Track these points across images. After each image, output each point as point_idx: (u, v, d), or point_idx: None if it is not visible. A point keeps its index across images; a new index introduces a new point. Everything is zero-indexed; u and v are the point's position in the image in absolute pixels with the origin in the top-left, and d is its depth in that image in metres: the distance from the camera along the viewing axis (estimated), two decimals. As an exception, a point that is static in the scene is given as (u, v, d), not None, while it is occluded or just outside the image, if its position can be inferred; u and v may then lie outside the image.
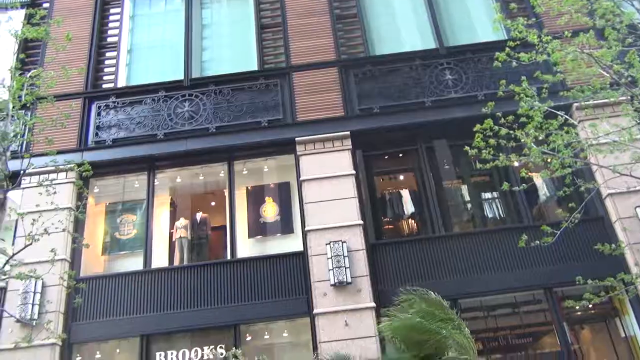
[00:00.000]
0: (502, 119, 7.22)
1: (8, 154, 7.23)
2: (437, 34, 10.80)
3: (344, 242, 8.59)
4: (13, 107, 8.01)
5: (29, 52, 10.99)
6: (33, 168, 7.46)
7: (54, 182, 7.90)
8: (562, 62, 7.54)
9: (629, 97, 7.69)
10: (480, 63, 10.24)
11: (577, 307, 7.26)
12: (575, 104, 8.91)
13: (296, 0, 11.44)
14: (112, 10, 12.03)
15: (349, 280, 8.33)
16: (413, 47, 10.89)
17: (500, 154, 7.25)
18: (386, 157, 10.43)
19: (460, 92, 10.03)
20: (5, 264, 6.20)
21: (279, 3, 11.58)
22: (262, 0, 11.79)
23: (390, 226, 10.06)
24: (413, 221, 9.89)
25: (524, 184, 7.41)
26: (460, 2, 11.58)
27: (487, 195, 10.00)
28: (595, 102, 7.99)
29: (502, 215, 9.76)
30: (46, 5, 11.89)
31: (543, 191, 9.69)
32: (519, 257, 8.69)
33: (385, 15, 11.50)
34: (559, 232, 6.99)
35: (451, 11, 11.40)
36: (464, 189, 10.16)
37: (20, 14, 11.40)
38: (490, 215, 9.84)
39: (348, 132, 9.67)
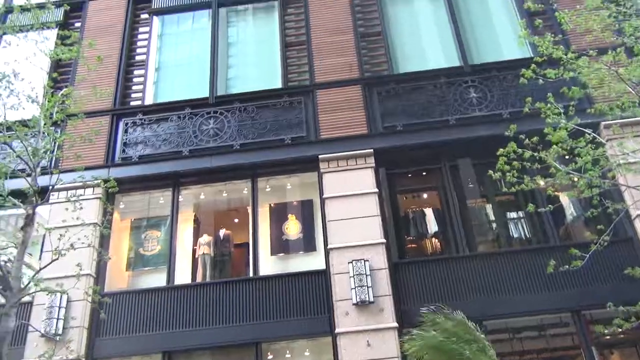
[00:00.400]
0: (527, 139, 7.11)
1: (38, 169, 7.38)
2: (461, 51, 10.75)
3: (367, 260, 8.52)
4: (44, 124, 8.21)
5: (61, 70, 11.28)
6: (62, 184, 7.62)
7: (81, 197, 8.07)
8: (589, 79, 7.45)
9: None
10: (505, 81, 10.13)
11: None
12: (603, 122, 8.74)
13: (320, 18, 11.53)
14: (141, 29, 12.31)
15: (372, 299, 8.24)
16: (437, 64, 10.84)
17: (525, 176, 7.12)
18: (409, 175, 10.36)
19: (484, 110, 9.94)
20: (31, 280, 6.31)
21: (303, 21, 11.69)
22: (287, 19, 11.93)
23: (413, 245, 9.95)
24: (437, 240, 9.77)
25: (550, 205, 7.27)
26: (486, 19, 11.52)
27: (512, 214, 9.84)
28: (623, 120, 7.83)
29: (527, 235, 9.58)
30: (78, 24, 12.26)
31: (570, 210, 9.48)
32: (545, 278, 8.46)
33: (409, 33, 11.50)
34: (587, 256, 6.80)
35: (476, 28, 11.33)
36: (489, 208, 10.01)
37: (54, 33, 11.73)
38: (515, 235, 9.67)
39: (371, 150, 9.64)
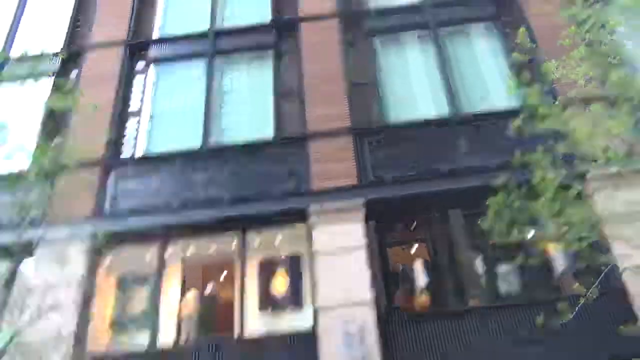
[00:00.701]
0: (517, 189, 7.12)
1: (25, 223, 7.34)
2: (451, 101, 10.85)
3: (355, 317, 8.33)
4: (36, 175, 8.18)
5: (55, 121, 11.31)
6: (48, 238, 7.56)
7: (67, 251, 7.99)
8: (576, 130, 7.47)
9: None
10: (494, 131, 10.13)
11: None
12: (590, 174, 8.72)
13: (313, 68, 11.66)
14: (137, 78, 12.46)
15: (360, 358, 8.02)
16: (428, 114, 10.92)
17: (515, 227, 7.08)
18: (400, 227, 10.30)
19: (475, 160, 9.94)
20: (7, 344, 6.18)
21: (296, 71, 11.83)
22: (280, 69, 12.09)
23: (404, 300, 9.74)
24: (427, 294, 9.58)
25: (539, 257, 7.19)
26: (475, 69, 11.66)
27: (504, 267, 9.69)
28: (610, 172, 7.81)
29: (519, 288, 9.41)
30: (74, 74, 12.39)
31: (560, 262, 9.35)
32: (538, 331, 8.27)
33: (400, 83, 11.63)
34: (576, 308, 6.69)
35: (466, 79, 11.46)
36: (480, 260, 9.88)
37: (50, 81, 11.89)
38: (507, 288, 9.50)
39: (362, 202, 9.59)
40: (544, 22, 10.75)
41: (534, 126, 7.49)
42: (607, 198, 7.17)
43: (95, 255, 8.46)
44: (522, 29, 8.29)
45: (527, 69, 9.30)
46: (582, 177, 8.51)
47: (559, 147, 7.34)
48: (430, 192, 9.69)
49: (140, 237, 9.97)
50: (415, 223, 10.23)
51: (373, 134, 10.57)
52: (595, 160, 7.08)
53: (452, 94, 10.93)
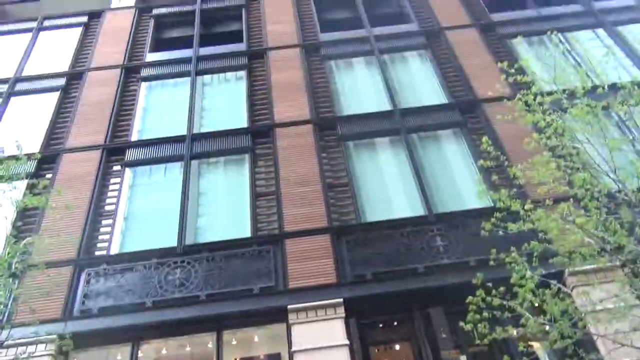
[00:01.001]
0: (494, 289, 7.20)
1: (-12, 325, 6.97)
2: (425, 201, 11.18)
3: None
4: (1, 276, 7.95)
5: (27, 220, 11.13)
6: (12, 340, 7.17)
7: (32, 355, 7.55)
8: (548, 229, 7.74)
9: (619, 263, 7.74)
10: (469, 229, 10.43)
11: None
12: (567, 270, 8.92)
13: (289, 170, 11.99)
14: (112, 180, 12.49)
15: None
16: (403, 214, 11.18)
17: (497, 326, 7.07)
18: (381, 325, 10.14)
19: (452, 257, 10.11)
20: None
21: (273, 172, 12.12)
22: (257, 170, 12.36)
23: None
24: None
25: (525, 358, 7.13)
26: (446, 171, 12.19)
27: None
28: (587, 267, 8.01)
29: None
30: (49, 175, 12.40)
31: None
32: None
33: (375, 183, 12.00)
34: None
35: (438, 180, 11.92)
36: (463, 359, 9.71)
37: (24, 183, 11.78)
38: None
39: (341, 300, 9.49)
40: (507, 129, 11.44)
41: (507, 228, 7.74)
42: (586, 294, 7.31)
43: (63, 357, 7.98)
44: (485, 138, 8.79)
45: (495, 172, 9.73)
46: (560, 273, 8.69)
47: (534, 244, 7.57)
48: (409, 290, 9.69)
49: (112, 337, 9.53)
50: (396, 322, 10.09)
51: (350, 233, 10.71)
52: (572, 258, 7.29)
53: (425, 195, 11.29)
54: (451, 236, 10.47)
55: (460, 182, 11.90)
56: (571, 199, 7.62)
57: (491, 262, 7.66)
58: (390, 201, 11.65)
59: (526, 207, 7.62)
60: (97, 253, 10.91)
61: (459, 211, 10.98)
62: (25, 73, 15.64)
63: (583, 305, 7.64)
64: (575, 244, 7.48)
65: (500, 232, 7.58)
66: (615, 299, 6.90)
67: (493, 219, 7.69)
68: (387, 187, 11.96)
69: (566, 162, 8.12)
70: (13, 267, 8.12)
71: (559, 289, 7.30)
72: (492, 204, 9.99)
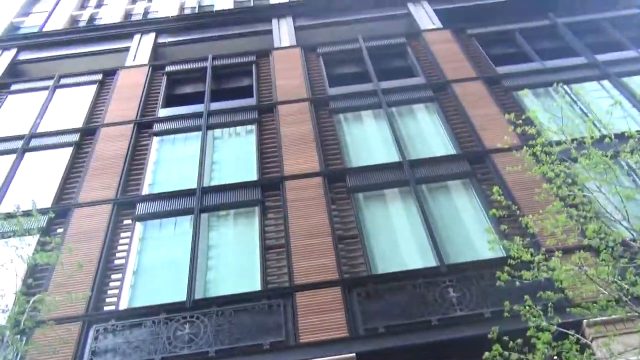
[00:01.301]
0: (511, 341, 7.03)
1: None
2: (436, 251, 11.04)
3: None
4: (9, 333, 7.89)
5: (37, 276, 11.11)
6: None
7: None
8: (562, 279, 7.61)
9: (638, 314, 7.54)
10: (482, 280, 10.26)
11: None
12: (585, 321, 8.69)
13: (299, 222, 11.97)
14: (122, 234, 12.51)
15: None
16: (414, 265, 11.04)
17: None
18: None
19: (465, 309, 9.89)
20: None
21: (283, 225, 12.09)
22: (266, 223, 12.35)
23: None
24: None
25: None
26: (457, 221, 12.10)
27: None
28: (605, 318, 7.82)
29: None
30: (60, 230, 12.48)
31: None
32: None
33: (385, 235, 11.91)
34: None
35: (449, 230, 11.83)
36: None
37: (35, 239, 11.84)
38: None
39: (354, 355, 9.24)
40: (517, 178, 11.46)
41: (521, 277, 7.64)
42: (606, 345, 7.09)
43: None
44: (495, 188, 8.81)
45: (507, 222, 9.68)
46: (578, 324, 8.47)
47: (550, 294, 7.43)
48: (423, 344, 9.43)
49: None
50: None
51: (361, 285, 10.55)
52: (588, 308, 7.13)
53: (436, 245, 11.16)
54: (464, 287, 10.28)
55: (471, 232, 11.79)
56: (584, 250, 7.54)
57: (506, 314, 7.48)
58: (401, 252, 11.54)
59: (540, 256, 7.53)
60: (106, 308, 10.80)
61: (471, 261, 10.83)
62: (40, 129, 16.02)
63: (604, 358, 7.40)
64: (591, 294, 7.34)
65: (517, 283, 7.45)
66: (637, 351, 6.68)
67: (507, 268, 7.59)
68: (397, 238, 11.88)
69: (578, 211, 8.07)
70: (22, 324, 8.07)
71: (578, 339, 7.09)
72: (505, 254, 9.88)
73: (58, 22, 22.48)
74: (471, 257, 11.02)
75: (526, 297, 7.48)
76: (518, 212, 9.11)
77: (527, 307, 7.33)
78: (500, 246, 10.04)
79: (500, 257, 10.23)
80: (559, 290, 7.83)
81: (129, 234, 12.49)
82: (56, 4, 24.40)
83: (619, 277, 7.09)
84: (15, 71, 19.56)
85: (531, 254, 7.68)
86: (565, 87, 14.70)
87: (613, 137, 8.25)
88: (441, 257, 10.94)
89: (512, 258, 7.88)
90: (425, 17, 19.55)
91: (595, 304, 7.15)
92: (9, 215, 10.49)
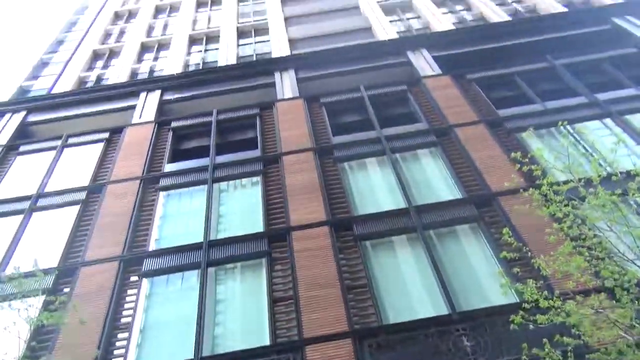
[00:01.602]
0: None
1: None
2: (448, 299, 10.80)
3: None
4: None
5: (41, 338, 10.92)
6: None
7: None
8: (580, 323, 7.40)
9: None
10: (496, 326, 9.97)
11: None
12: (606, 366, 8.37)
13: (307, 272, 11.80)
14: (129, 292, 12.37)
15: None
16: (426, 313, 10.78)
17: None
18: None
19: (481, 358, 9.57)
20: None
21: (290, 276, 11.92)
22: (274, 275, 12.19)
23: None
24: None
25: None
26: (467, 267, 11.88)
27: None
28: (627, 362, 7.52)
29: None
30: (66, 289, 12.34)
31: None
32: None
33: (395, 284, 11.69)
34: None
35: (459, 276, 11.60)
36: None
37: (40, 299, 11.69)
38: None
39: (367, 408, 8.94)
40: (525, 220, 11.30)
41: (536, 321, 7.44)
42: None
43: None
44: (505, 230, 8.71)
45: (518, 265, 9.51)
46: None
47: (567, 340, 7.20)
48: (439, 398, 9.11)
49: None
50: None
51: (372, 336, 10.28)
52: (609, 354, 6.89)
53: (447, 292, 10.93)
54: (478, 335, 9.98)
55: (482, 277, 11.56)
56: (600, 293, 7.36)
57: (524, 358, 7.23)
58: (412, 300, 11.29)
59: (556, 301, 7.35)
60: (114, 367, 10.56)
61: (483, 308, 10.55)
62: (47, 189, 16.12)
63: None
64: (610, 339, 7.11)
65: (531, 326, 7.24)
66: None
67: (522, 312, 7.40)
68: (407, 286, 11.65)
69: (590, 251, 7.94)
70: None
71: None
72: (517, 299, 9.65)
73: (66, 84, 23.01)
74: (483, 303, 10.76)
75: (545, 340, 7.26)
76: (529, 254, 8.95)
77: (547, 351, 7.10)
78: (512, 290, 9.85)
79: (513, 302, 9.99)
80: (577, 335, 7.58)
81: (135, 291, 12.35)
82: (65, 67, 25.06)
83: (637, 320, 6.88)
84: (25, 132, 19.88)
85: (545, 298, 7.50)
86: (568, 126, 14.80)
87: (619, 174, 8.18)
88: (452, 304, 10.69)
89: (526, 302, 7.69)
90: (425, 64, 19.84)
91: (614, 349, 6.91)
92: (11, 278, 10.41)
